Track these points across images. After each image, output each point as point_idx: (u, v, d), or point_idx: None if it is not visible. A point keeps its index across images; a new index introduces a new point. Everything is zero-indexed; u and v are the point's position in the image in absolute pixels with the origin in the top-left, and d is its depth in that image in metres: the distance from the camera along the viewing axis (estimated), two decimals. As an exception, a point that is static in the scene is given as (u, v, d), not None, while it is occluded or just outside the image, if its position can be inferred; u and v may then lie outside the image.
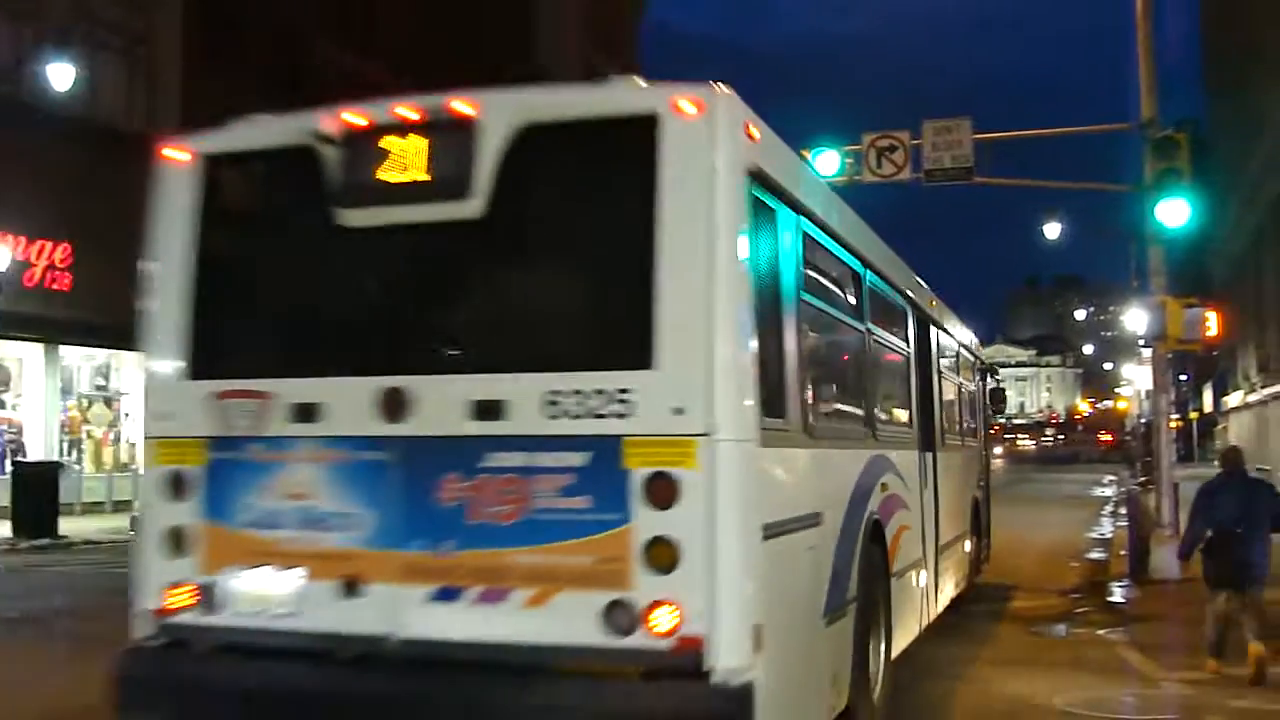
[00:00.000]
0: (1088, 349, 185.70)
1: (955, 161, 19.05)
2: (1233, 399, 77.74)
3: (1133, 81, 18.46)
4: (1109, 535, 26.74)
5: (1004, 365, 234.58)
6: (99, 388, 34.24)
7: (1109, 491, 48.20)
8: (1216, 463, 14.13)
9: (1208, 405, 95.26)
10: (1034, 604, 16.13)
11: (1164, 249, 18.74)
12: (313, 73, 38.95)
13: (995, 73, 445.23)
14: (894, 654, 8.63)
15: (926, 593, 10.53)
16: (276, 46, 38.35)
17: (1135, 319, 42.98)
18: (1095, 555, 22.87)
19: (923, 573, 10.28)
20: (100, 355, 33.60)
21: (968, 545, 14.03)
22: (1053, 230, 37.18)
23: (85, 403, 33.69)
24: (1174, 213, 17.60)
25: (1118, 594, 16.37)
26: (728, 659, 5.05)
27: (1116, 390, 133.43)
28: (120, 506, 30.11)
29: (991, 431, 18.91)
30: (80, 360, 33.33)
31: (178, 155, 6.31)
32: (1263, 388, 61.07)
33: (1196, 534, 10.59)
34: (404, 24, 44.89)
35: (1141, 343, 44.83)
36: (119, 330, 23.72)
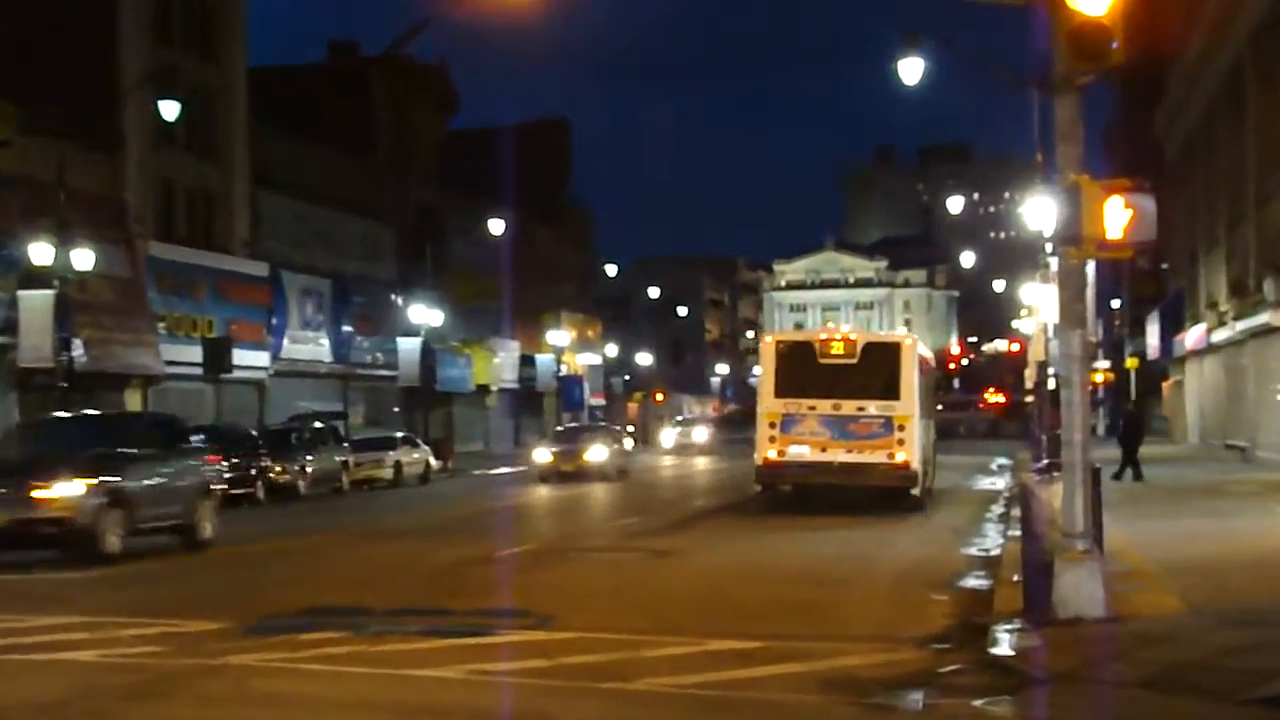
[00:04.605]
0: (968, 259, 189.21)
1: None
2: (1190, 338, 77.59)
3: None
4: (995, 552, 27.83)
5: (836, 285, 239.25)
6: None
7: (1000, 483, 50.26)
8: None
9: (1153, 348, 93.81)
10: (874, 660, 16.78)
11: (1081, 100, 19.01)
12: None
13: None
14: (930, 480, 48.58)
15: (933, 465, 50.29)
16: None
17: (1037, 211, 44.27)
18: (972, 583, 23.80)
19: (932, 458, 50.63)
20: None
21: (935, 458, 51.54)
22: (911, 70, 35.89)
23: None
24: (1095, 42, 17.82)
25: (1005, 643, 17.10)
26: (914, 466, 44.13)
27: (1013, 324, 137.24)
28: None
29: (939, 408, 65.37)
30: None
31: (771, 341, 50.29)
32: (1236, 320, 60.81)
33: None
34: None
35: (1048, 249, 46.02)
36: None
